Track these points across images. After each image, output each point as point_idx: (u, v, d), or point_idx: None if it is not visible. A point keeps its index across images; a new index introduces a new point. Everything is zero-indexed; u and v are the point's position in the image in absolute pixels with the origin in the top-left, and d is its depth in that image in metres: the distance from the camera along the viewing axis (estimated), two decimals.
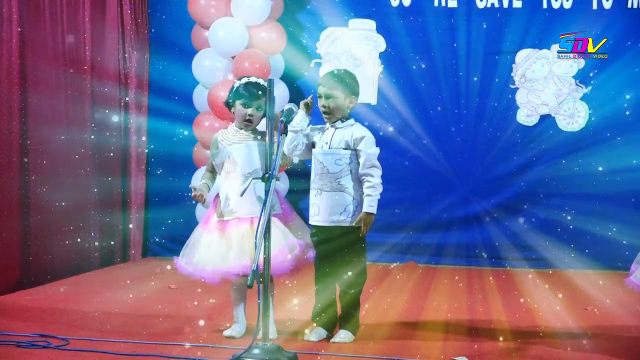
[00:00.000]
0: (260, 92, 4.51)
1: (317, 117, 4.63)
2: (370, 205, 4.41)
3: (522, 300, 5.87)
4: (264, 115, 4.45)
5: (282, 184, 7.30)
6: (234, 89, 4.59)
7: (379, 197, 4.44)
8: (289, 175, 7.49)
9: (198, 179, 4.77)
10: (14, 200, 5.93)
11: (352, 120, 4.55)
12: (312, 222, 4.54)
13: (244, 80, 4.60)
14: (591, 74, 7.45)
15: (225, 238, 4.43)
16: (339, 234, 4.46)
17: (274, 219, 4.33)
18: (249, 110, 4.53)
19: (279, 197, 4.56)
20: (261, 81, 4.60)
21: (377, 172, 4.46)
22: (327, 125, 4.55)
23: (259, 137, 4.55)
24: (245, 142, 4.53)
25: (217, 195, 4.57)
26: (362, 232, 4.42)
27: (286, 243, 4.35)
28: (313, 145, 4.57)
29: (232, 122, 4.70)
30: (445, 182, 7.75)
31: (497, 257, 7.58)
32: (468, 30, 7.60)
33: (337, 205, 4.44)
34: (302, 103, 4.52)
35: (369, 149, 4.46)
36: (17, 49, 5.94)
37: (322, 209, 4.48)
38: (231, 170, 4.51)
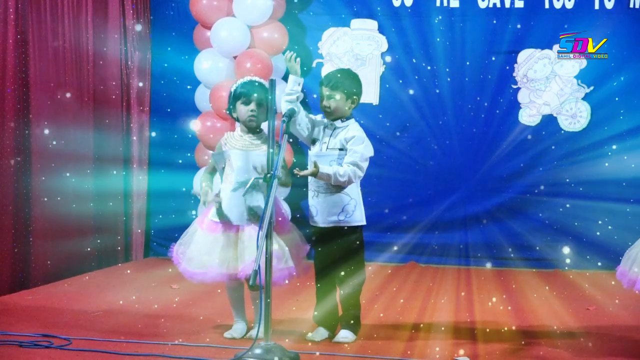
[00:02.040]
0: (258, 89, 4.48)
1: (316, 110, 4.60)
2: (326, 171, 4.30)
3: (523, 300, 5.87)
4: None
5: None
6: (231, 93, 4.56)
7: (336, 178, 4.32)
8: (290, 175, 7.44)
9: (198, 180, 4.71)
10: (15, 200, 5.93)
11: (351, 120, 4.55)
12: (311, 223, 4.55)
13: (239, 81, 4.57)
14: (593, 74, 7.45)
15: (211, 241, 4.43)
16: (337, 234, 4.46)
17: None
18: (251, 106, 4.48)
19: (276, 206, 4.47)
20: (256, 78, 4.57)
21: (355, 171, 4.38)
22: (328, 123, 4.54)
23: (261, 144, 4.49)
24: (246, 149, 4.48)
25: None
26: (298, 171, 4.30)
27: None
28: (313, 142, 4.57)
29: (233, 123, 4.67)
30: (447, 182, 7.74)
31: (498, 257, 7.57)
32: (470, 30, 7.60)
33: (335, 206, 4.45)
34: (287, 65, 4.47)
35: (355, 146, 4.42)
36: (18, 48, 5.93)
37: (320, 211, 4.48)
38: (229, 174, 4.49)
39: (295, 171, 4.31)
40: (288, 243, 4.44)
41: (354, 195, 4.47)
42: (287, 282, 4.39)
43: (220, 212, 4.44)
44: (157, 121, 7.89)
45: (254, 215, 4.38)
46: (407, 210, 7.73)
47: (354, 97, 4.53)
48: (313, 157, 4.47)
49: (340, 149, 4.45)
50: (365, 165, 4.44)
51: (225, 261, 4.35)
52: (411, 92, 7.68)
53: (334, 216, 4.45)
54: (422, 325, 4.94)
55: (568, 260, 7.40)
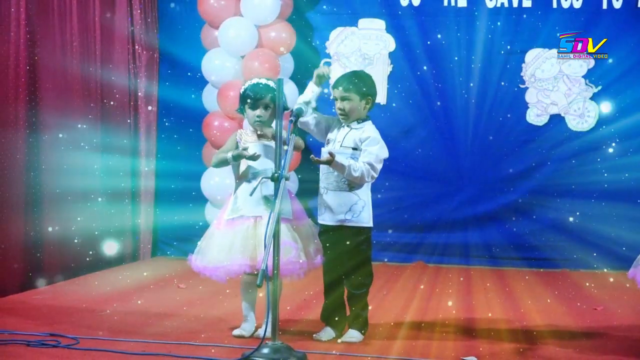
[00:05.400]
0: (264, 91, 4.51)
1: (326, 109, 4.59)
2: (341, 162, 4.26)
3: (530, 300, 5.86)
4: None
5: (292, 183, 7.27)
6: (241, 95, 4.61)
7: (349, 172, 4.28)
8: (299, 174, 7.44)
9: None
10: (23, 201, 5.94)
11: (368, 122, 4.52)
12: (319, 221, 4.54)
13: (247, 83, 4.60)
14: (601, 74, 7.44)
15: (230, 236, 4.44)
16: (344, 233, 4.44)
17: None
18: (257, 111, 4.52)
19: (290, 198, 4.53)
20: (264, 80, 4.57)
21: (369, 171, 4.34)
22: (344, 124, 4.52)
23: (272, 138, 4.53)
24: (259, 142, 4.54)
25: (231, 195, 4.58)
26: (313, 157, 4.25)
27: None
28: (327, 142, 4.56)
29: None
30: (454, 181, 7.74)
31: (506, 257, 7.56)
32: (477, 29, 7.59)
33: (343, 205, 4.42)
34: (315, 72, 4.48)
35: (370, 147, 4.39)
36: (26, 49, 5.94)
37: (328, 209, 4.46)
38: (244, 169, 4.52)
39: (312, 157, 4.28)
40: (302, 237, 4.45)
41: (363, 196, 4.44)
42: (301, 276, 4.40)
43: (235, 208, 4.46)
44: (164, 120, 7.90)
45: (270, 204, 4.36)
46: (414, 210, 7.72)
47: (368, 97, 4.51)
48: (325, 154, 4.44)
49: (354, 149, 4.42)
50: (379, 166, 4.41)
51: (247, 251, 4.36)
52: (418, 92, 7.68)
53: (341, 215, 4.43)
54: (430, 325, 4.94)
55: (575, 261, 7.39)
